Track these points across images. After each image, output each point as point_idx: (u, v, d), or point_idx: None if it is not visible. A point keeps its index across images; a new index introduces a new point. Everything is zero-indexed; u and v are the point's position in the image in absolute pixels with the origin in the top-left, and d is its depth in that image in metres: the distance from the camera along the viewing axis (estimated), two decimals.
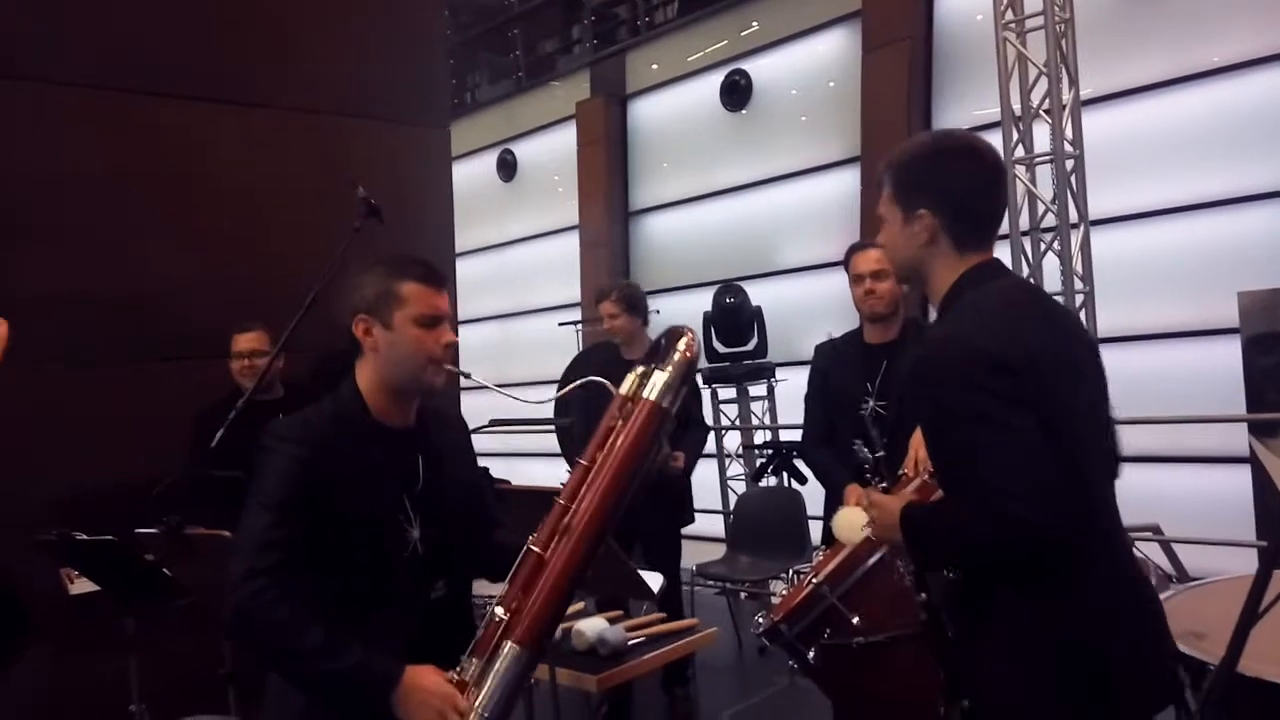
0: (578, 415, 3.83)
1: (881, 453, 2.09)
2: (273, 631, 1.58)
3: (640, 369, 1.69)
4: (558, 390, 3.40)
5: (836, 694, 2.43)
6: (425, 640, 1.68)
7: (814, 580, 2.30)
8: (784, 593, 2.40)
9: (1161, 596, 1.87)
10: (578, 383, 1.84)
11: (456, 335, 1.81)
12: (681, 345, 1.69)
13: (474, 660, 1.59)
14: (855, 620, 2.21)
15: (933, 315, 1.83)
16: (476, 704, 1.54)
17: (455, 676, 1.59)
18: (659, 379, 1.65)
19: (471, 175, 9.82)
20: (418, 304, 1.74)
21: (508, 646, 1.56)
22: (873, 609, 2.21)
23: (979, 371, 1.46)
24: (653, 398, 1.64)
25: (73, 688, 3.47)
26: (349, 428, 1.74)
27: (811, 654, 2.28)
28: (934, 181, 1.62)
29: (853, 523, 2.38)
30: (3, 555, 3.19)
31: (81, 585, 3.36)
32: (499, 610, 1.60)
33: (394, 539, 1.74)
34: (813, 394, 3.04)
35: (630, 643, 2.42)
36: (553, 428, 4.25)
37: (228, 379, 3.51)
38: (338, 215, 3.15)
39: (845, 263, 2.96)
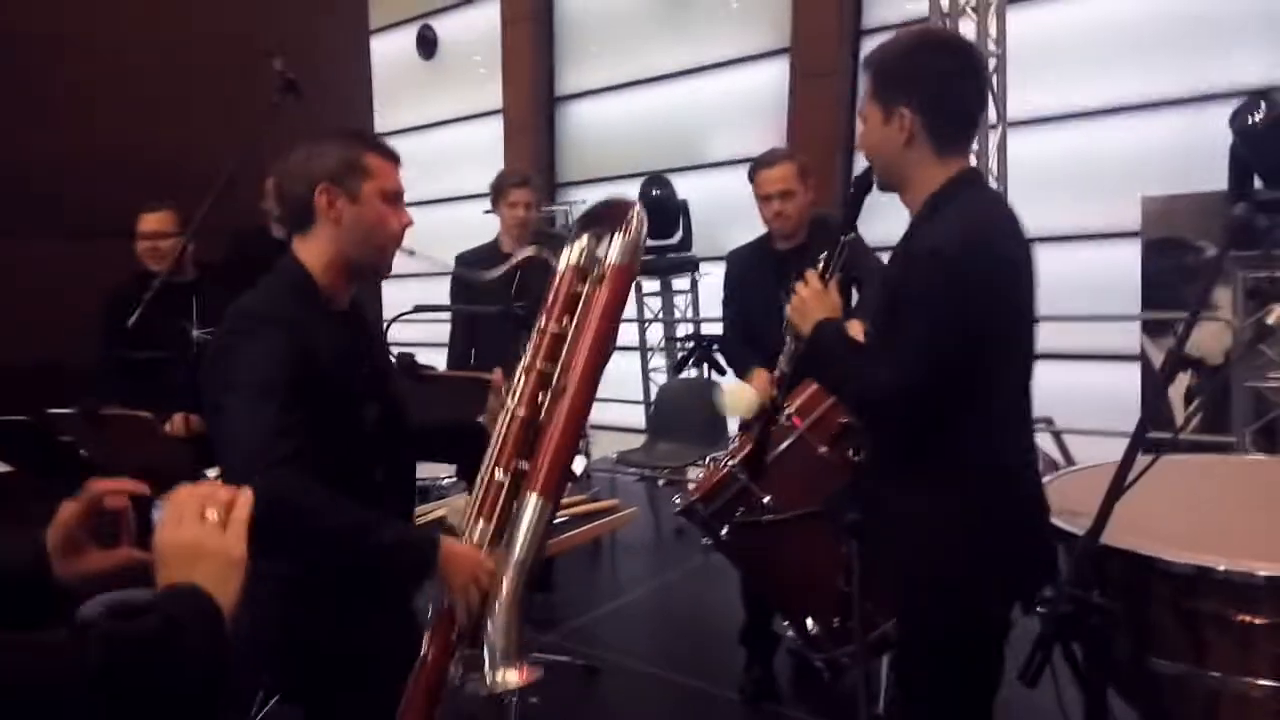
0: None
1: None
2: (311, 516, 1.50)
3: (586, 237, 1.71)
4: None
5: (747, 567, 2.59)
6: None
7: (729, 463, 2.42)
8: (700, 477, 2.52)
9: (1046, 480, 2.03)
10: (522, 255, 1.89)
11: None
12: (633, 215, 1.70)
13: (480, 522, 1.60)
14: (766, 499, 2.34)
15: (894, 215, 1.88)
16: (513, 557, 1.54)
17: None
18: (620, 242, 1.67)
19: (390, 52, 9.40)
20: (384, 178, 1.71)
21: (531, 498, 1.56)
22: (783, 489, 2.33)
23: (942, 274, 1.53)
24: (624, 262, 1.66)
25: None
26: (307, 307, 1.69)
27: (724, 531, 2.42)
28: (914, 77, 1.60)
29: (737, 398, 2.61)
30: None
31: None
32: (498, 471, 1.61)
33: (358, 417, 1.73)
34: (728, 299, 3.16)
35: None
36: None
37: (132, 260, 3.38)
38: (249, 89, 3.02)
39: (750, 177, 2.99)
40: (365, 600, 1.67)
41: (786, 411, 2.34)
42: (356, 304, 1.83)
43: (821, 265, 1.84)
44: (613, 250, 1.68)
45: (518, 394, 1.66)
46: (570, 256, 1.72)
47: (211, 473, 2.55)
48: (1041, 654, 1.22)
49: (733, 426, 4.07)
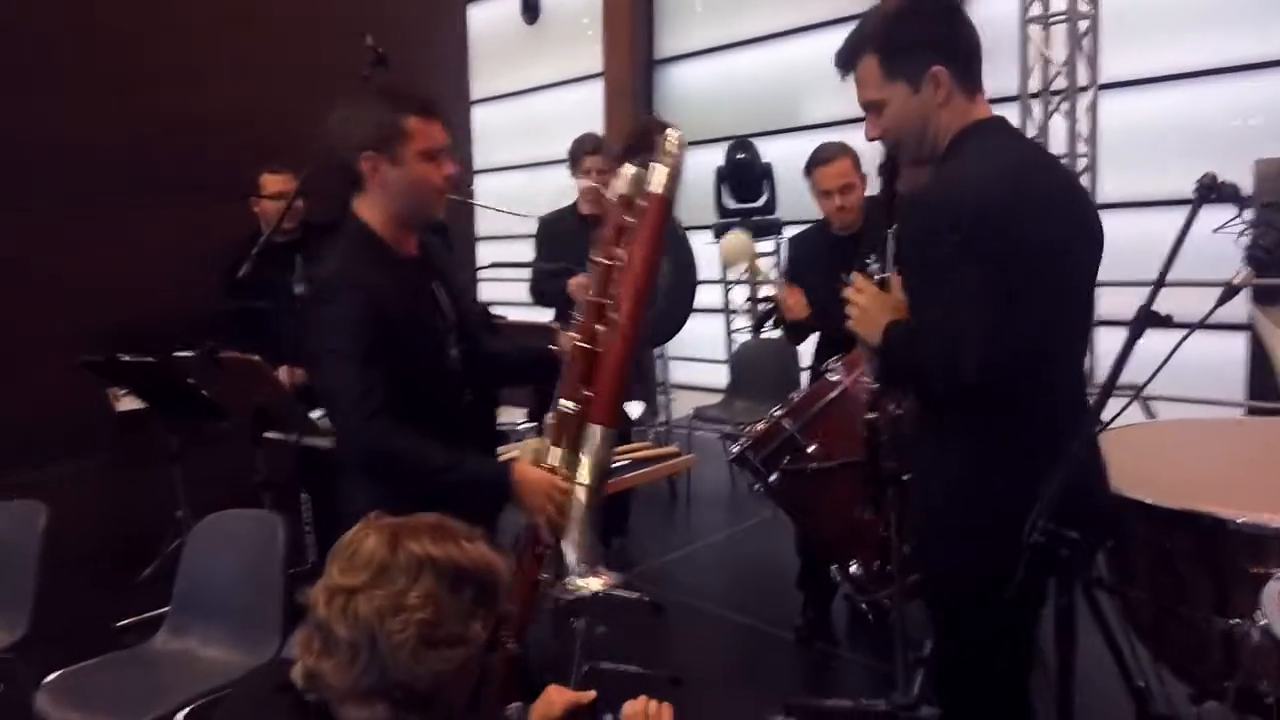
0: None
1: None
2: (402, 461, 1.74)
3: (631, 168, 1.79)
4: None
5: (794, 512, 2.72)
6: (458, 444, 1.80)
7: (777, 413, 2.55)
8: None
9: None
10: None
11: (455, 166, 1.88)
12: (671, 139, 1.76)
13: (557, 450, 1.81)
14: (811, 449, 2.47)
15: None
16: (580, 478, 1.77)
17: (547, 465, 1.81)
18: (661, 172, 1.74)
19: (493, 17, 9.64)
20: (423, 139, 1.79)
21: (593, 429, 1.77)
22: (826, 439, 2.46)
23: (964, 223, 1.43)
24: (660, 191, 1.74)
25: (124, 495, 3.88)
26: (378, 261, 1.83)
27: (773, 477, 2.56)
28: (930, 34, 1.56)
29: (733, 247, 2.78)
30: (55, 376, 3.53)
31: (128, 403, 3.71)
32: (568, 404, 1.79)
33: (442, 356, 1.90)
34: (790, 281, 3.22)
35: (614, 464, 2.69)
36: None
37: (248, 216, 3.67)
38: (346, 56, 3.24)
39: (806, 172, 3.03)
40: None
41: (831, 365, 2.46)
42: (425, 249, 1.96)
43: (872, 264, 1.75)
44: (655, 180, 1.74)
45: (580, 325, 1.82)
46: (619, 186, 1.80)
47: (315, 413, 2.85)
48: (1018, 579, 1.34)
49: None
